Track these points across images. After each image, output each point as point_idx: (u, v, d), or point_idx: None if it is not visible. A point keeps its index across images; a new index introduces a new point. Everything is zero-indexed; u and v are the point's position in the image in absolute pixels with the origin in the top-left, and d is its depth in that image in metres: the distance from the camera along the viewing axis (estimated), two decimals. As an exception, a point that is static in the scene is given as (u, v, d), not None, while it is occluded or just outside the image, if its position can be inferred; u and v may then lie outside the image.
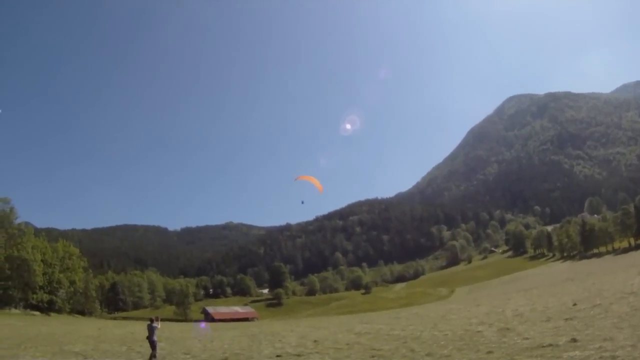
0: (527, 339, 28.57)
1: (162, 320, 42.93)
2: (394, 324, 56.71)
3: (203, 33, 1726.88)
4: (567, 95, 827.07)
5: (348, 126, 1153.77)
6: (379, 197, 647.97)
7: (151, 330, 33.18)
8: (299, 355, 33.11)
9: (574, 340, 25.20)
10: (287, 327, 75.98)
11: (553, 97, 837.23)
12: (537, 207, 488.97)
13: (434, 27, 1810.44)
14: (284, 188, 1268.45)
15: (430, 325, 47.67)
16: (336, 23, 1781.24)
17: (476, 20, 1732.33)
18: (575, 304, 43.46)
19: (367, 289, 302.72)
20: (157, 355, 33.44)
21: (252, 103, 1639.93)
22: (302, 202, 79.74)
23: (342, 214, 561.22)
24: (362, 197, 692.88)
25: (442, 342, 32.62)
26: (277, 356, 33.53)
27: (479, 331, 36.31)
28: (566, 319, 34.68)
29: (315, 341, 43.12)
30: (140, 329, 70.57)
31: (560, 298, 55.74)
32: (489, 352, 25.88)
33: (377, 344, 36.51)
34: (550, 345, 24.98)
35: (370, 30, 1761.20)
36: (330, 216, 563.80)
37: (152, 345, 33.09)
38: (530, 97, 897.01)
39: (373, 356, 29.81)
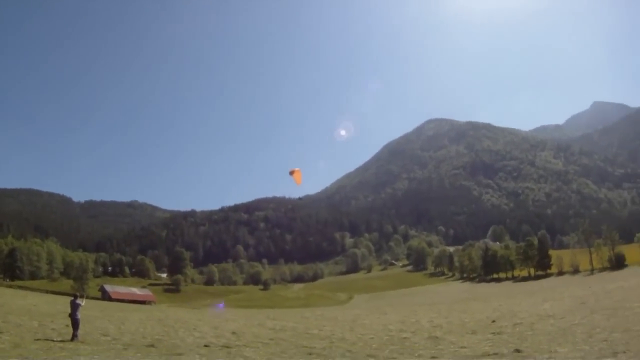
0: (464, 347, 28.35)
1: (59, 294, 39.80)
2: (305, 324, 55.93)
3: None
4: (487, 126, 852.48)
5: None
6: (287, 196, 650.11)
7: (74, 307, 30.32)
8: (227, 347, 31.20)
9: (518, 350, 25.05)
10: (192, 316, 74.96)
11: (473, 125, 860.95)
12: (441, 228, 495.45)
13: (371, 42, 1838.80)
14: (193, 173, 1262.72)
15: (347, 328, 47.21)
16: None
17: (415, 47, 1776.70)
18: (494, 321, 43.53)
19: (265, 286, 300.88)
20: (78, 335, 30.61)
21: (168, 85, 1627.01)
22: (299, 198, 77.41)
23: (248, 208, 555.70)
24: (270, 194, 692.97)
25: (374, 345, 31.76)
26: (205, 346, 31.41)
27: (405, 337, 35.81)
28: (493, 333, 34.37)
29: (233, 333, 41.77)
30: (40, 301, 67.24)
31: (473, 315, 55.95)
32: (434, 358, 25.35)
33: (304, 341, 35.17)
34: (496, 354, 24.88)
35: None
36: (236, 208, 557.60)
37: (75, 323, 30.24)
38: (451, 123, 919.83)
39: (310, 354, 28.17)
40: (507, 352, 25.01)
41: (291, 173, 58.35)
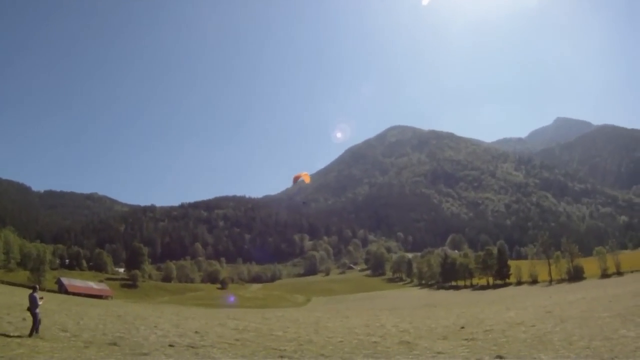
0: (441, 353, 27.53)
1: (15, 285, 38.07)
2: (269, 325, 54.43)
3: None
4: (450, 136, 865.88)
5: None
6: (247, 196, 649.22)
7: (34, 301, 28.78)
8: (193, 347, 29.85)
9: (500, 357, 24.50)
10: (151, 312, 72.83)
11: (436, 134, 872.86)
12: (400, 234, 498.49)
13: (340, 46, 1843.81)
14: (155, 168, 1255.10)
15: (311, 331, 45.86)
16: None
17: (382, 55, 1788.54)
18: (463, 327, 42.60)
19: (223, 285, 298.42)
20: (39, 330, 29.10)
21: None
22: (304, 203, 77.40)
23: (208, 205, 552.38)
24: (230, 193, 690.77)
25: (346, 349, 30.84)
26: (170, 345, 30.01)
27: (375, 342, 34.60)
28: (466, 339, 33.38)
29: (196, 332, 40.36)
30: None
31: (437, 321, 54.47)
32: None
33: (271, 343, 33.97)
34: (478, 360, 24.00)
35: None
36: (196, 205, 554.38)
37: (34, 318, 28.76)
38: (414, 130, 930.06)
39: (282, 357, 27.03)
40: (488, 358, 24.39)
41: (296, 179, 57.74)
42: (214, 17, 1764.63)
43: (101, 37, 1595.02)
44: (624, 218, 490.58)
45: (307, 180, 68.34)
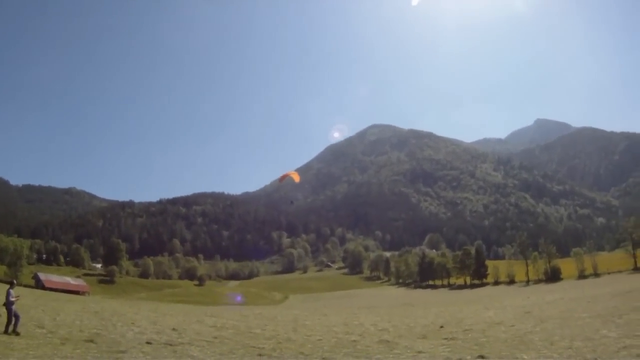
0: (421, 352, 27.09)
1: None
2: (246, 322, 53.71)
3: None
4: (430, 135, 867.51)
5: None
6: (226, 192, 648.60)
7: (7, 296, 28.14)
8: (171, 345, 29.29)
9: (482, 357, 23.99)
10: (128, 309, 71.73)
11: (416, 134, 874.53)
12: (378, 232, 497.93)
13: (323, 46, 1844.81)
14: (133, 164, 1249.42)
15: (289, 328, 45.40)
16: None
17: (363, 53, 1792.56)
18: (442, 327, 42.11)
19: (201, 281, 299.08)
20: (17, 327, 28.44)
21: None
22: (292, 202, 76.76)
23: (186, 202, 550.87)
24: (209, 189, 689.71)
25: (326, 347, 30.41)
26: (147, 343, 29.45)
27: (354, 340, 34.22)
28: (446, 339, 32.81)
29: (174, 329, 39.62)
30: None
31: (416, 320, 54.05)
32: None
33: (249, 341, 33.42)
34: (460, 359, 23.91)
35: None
36: (174, 201, 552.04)
37: (11, 314, 28.11)
38: (394, 129, 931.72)
39: (261, 355, 26.57)
40: (470, 358, 23.95)
41: (283, 178, 57.55)
42: (197, 15, 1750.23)
43: (84, 35, 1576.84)
44: (601, 220, 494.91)
45: (297, 179, 68.21)
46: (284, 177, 67.31)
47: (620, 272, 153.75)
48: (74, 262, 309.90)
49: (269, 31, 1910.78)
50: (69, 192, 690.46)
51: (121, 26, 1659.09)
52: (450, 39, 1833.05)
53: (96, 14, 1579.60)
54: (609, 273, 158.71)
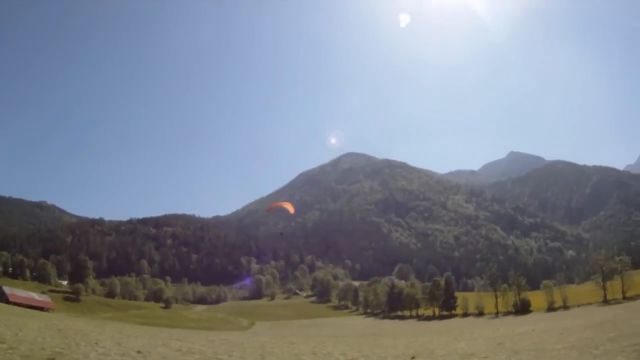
0: None
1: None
2: (213, 348, 52.12)
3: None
4: (403, 165, 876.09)
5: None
6: (197, 215, 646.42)
7: None
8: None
9: None
10: (93, 328, 71.19)
11: (389, 164, 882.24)
12: (348, 261, 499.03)
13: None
14: (106, 181, 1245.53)
15: (257, 356, 44.79)
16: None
17: (337, 82, 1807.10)
18: (413, 358, 41.63)
19: (167, 304, 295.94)
20: None
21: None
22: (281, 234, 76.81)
23: (157, 222, 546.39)
24: (180, 211, 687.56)
25: None
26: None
27: None
28: None
29: (139, 352, 37.78)
30: None
31: (387, 350, 53.40)
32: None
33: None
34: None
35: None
36: (145, 221, 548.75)
37: None
38: (368, 158, 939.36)
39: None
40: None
41: (270, 210, 56.65)
42: (174, 33, 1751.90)
43: (57, 45, 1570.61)
44: (571, 253, 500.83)
45: (292, 210, 67.95)
46: (273, 208, 67.19)
47: (590, 304, 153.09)
48: (40, 278, 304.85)
49: (242, 55, 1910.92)
50: (39, 205, 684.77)
51: (98, 39, 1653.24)
52: (427, 70, 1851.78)
53: (68, 28, 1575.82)
54: (578, 305, 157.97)
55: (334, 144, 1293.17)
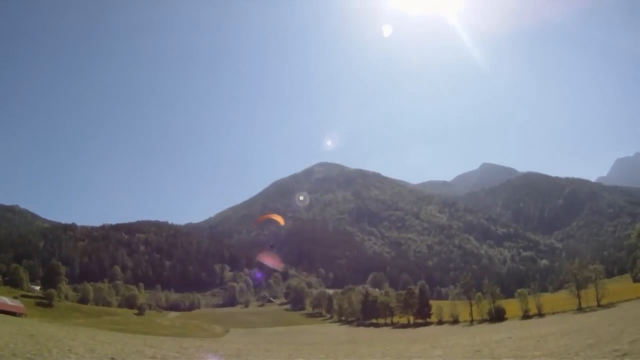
0: None
1: None
2: (187, 355, 53.27)
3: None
4: (377, 176, 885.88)
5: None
6: (170, 222, 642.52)
7: None
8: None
9: None
10: (65, 334, 70.44)
11: (362, 174, 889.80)
12: (321, 270, 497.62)
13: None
14: (79, 186, 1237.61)
15: None
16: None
17: (311, 91, 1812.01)
18: None
19: (140, 310, 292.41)
20: None
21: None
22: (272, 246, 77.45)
23: (130, 229, 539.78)
24: (153, 217, 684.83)
25: None
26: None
27: None
28: None
29: (112, 359, 38.19)
30: None
31: (363, 358, 54.45)
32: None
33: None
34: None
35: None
36: (117, 227, 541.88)
37: None
38: (341, 168, 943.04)
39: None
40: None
41: (258, 221, 56.56)
42: (155, 40, 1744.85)
43: (32, 48, 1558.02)
44: (545, 262, 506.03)
45: (282, 222, 68.10)
46: (260, 220, 67.60)
47: (564, 312, 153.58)
48: (12, 283, 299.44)
49: (217, 66, 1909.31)
50: (11, 209, 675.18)
51: (76, 43, 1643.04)
52: (402, 82, 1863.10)
53: (49, 32, 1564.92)
54: (553, 313, 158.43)
55: (306, 154, 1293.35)
